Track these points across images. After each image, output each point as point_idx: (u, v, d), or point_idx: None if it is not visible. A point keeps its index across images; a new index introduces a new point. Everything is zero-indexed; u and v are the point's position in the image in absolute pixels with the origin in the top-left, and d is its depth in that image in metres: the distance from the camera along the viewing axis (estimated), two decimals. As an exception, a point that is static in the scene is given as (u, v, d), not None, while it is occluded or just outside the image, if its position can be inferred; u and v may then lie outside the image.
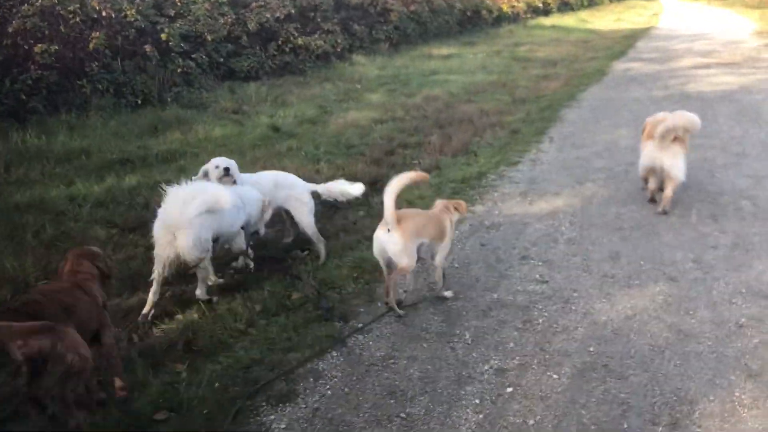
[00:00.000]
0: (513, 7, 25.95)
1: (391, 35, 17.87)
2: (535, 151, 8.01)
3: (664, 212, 5.74)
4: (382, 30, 17.57)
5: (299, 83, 12.69)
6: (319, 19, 15.61)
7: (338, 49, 15.39)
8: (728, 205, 5.95)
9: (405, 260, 3.96)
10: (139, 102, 10.05)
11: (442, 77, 13.83)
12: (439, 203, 4.39)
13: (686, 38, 21.44)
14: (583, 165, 7.42)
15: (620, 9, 35.71)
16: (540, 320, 4.00)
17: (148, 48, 10.42)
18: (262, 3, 14.09)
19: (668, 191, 5.75)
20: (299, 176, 5.38)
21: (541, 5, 29.31)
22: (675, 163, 5.64)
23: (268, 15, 13.92)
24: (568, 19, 27.63)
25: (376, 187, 6.77)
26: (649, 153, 5.78)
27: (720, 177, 6.82)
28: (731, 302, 4.16)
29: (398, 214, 3.97)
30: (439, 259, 4.24)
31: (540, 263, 4.84)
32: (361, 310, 4.19)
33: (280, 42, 14.06)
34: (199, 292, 4.24)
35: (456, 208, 4.34)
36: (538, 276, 4.61)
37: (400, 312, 4.09)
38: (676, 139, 5.68)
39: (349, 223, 5.83)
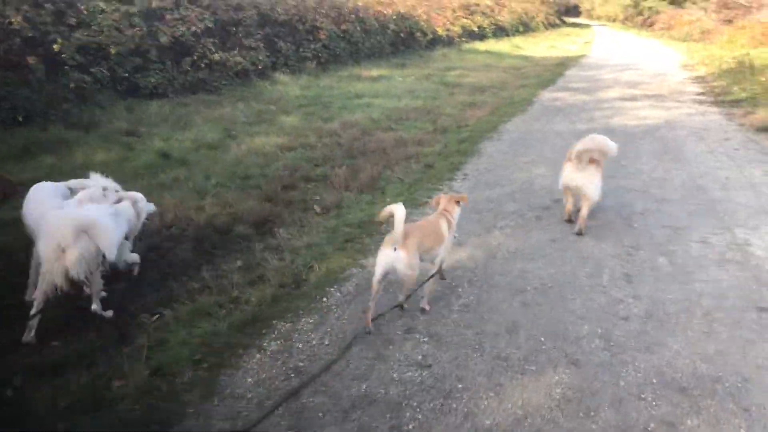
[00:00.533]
0: (448, 30, 25.63)
1: (320, 54, 17.11)
2: (446, 190, 7.31)
3: (580, 233, 5.90)
4: (310, 48, 16.80)
5: (210, 102, 11.74)
6: (241, 35, 14.71)
7: (259, 67, 14.51)
8: (644, 263, 5.35)
9: (410, 272, 4.13)
10: (21, 119, 8.94)
11: (366, 101, 13.12)
12: (442, 200, 4.65)
13: (616, 68, 21.44)
14: (493, 208, 6.74)
15: (554, 36, 36.04)
16: (411, 425, 3.21)
17: (31, 59, 9.31)
18: (179, 16, 13.11)
19: (584, 211, 5.93)
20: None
21: (476, 30, 29.15)
22: (590, 183, 5.83)
23: (183, 28, 12.94)
24: (503, 45, 27.51)
25: (263, 228, 5.96)
26: (567, 173, 5.98)
27: (638, 227, 6.24)
28: (640, 397, 3.47)
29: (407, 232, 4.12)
30: (438, 260, 4.49)
31: (426, 338, 4.07)
32: (189, 411, 3.30)
33: (195, 57, 13.10)
34: (95, 306, 4.23)
35: (458, 203, 4.68)
36: (420, 357, 3.84)
37: (371, 328, 4.15)
38: (592, 161, 5.88)
39: (217, 275, 4.94)
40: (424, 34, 23.36)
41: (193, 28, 13.19)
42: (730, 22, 39.48)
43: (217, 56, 13.38)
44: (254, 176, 7.61)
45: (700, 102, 14.39)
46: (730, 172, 8.27)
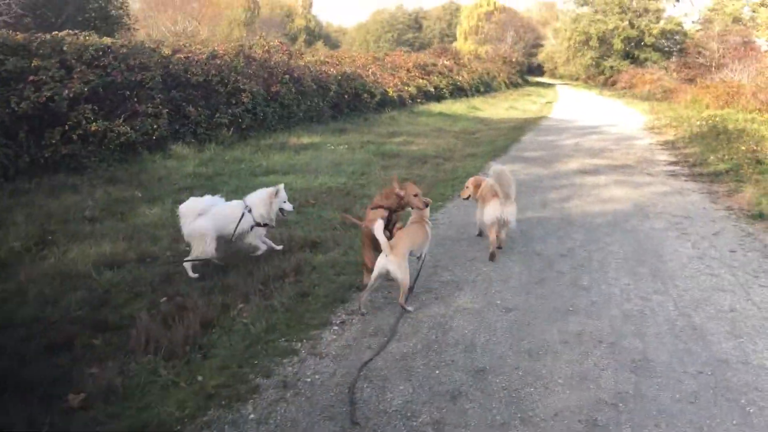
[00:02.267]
0: (401, 91, 23.30)
1: (242, 119, 14.45)
2: (305, 355, 4.49)
3: (500, 247, 6.80)
4: (228, 113, 14.12)
5: (61, 188, 8.92)
6: (136, 100, 12.01)
7: (154, 137, 11.76)
8: None
9: (401, 275, 4.86)
10: None
11: (274, 179, 10.39)
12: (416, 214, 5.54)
13: (577, 132, 19.14)
14: (364, 402, 3.93)
15: (515, 96, 34.13)
16: None
17: None
18: (43, 77, 10.37)
19: (503, 235, 6.86)
20: None
21: (433, 90, 26.95)
22: (514, 214, 6.63)
23: (47, 93, 10.20)
24: (459, 106, 25.26)
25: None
26: (496, 208, 6.51)
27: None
28: None
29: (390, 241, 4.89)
30: (423, 253, 5.50)
31: None
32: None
33: (66, 128, 10.34)
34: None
35: (427, 205, 5.57)
36: None
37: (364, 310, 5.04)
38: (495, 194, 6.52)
39: None
40: (372, 95, 20.96)
41: (66, 92, 10.45)
42: (691, 81, 38.18)
43: (95, 126, 10.63)
44: (25, 319, 4.74)
45: (674, 175, 11.93)
46: (733, 297, 5.60)
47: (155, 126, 11.83)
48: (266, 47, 18.49)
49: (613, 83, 48.04)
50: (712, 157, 13.24)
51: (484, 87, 35.39)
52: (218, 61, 15.00)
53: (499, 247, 6.80)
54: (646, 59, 50.21)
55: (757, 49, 40.41)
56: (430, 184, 10.56)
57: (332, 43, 63.30)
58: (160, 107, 12.36)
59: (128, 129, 11.15)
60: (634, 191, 10.33)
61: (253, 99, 14.97)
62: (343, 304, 5.34)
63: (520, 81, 47.82)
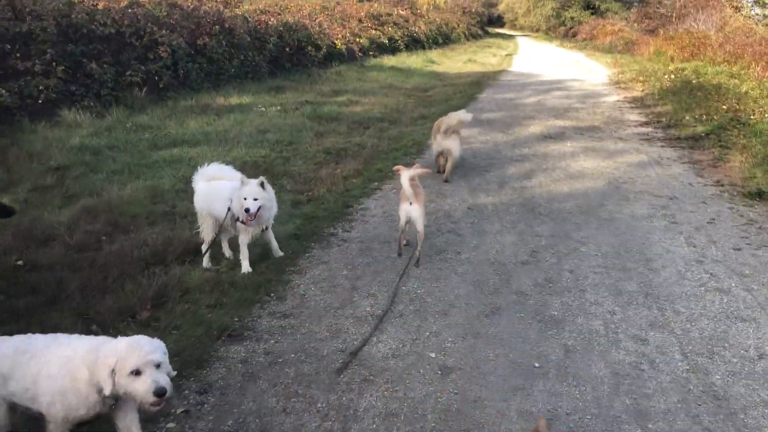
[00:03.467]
0: (350, 43, 21.03)
1: (159, 77, 12.21)
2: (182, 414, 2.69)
3: (447, 180, 7.55)
4: (142, 70, 11.85)
5: None
6: (19, 56, 9.73)
7: (39, 101, 9.56)
8: None
9: (422, 220, 5.00)
10: None
11: (180, 152, 8.39)
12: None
13: (539, 87, 17.31)
14: None
15: (474, 48, 31.97)
16: None
17: None
18: None
19: (449, 165, 7.64)
20: None
21: (387, 42, 24.67)
22: (453, 146, 7.58)
23: None
24: (415, 60, 23.08)
25: None
26: (439, 141, 7.66)
27: None
28: None
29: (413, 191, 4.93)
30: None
31: None
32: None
33: None
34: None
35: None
36: None
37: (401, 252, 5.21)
38: (454, 132, 7.63)
39: None
40: (318, 48, 18.68)
41: None
42: (653, 32, 36.48)
43: (-45, 88, 8.40)
44: None
45: (648, 139, 10.28)
46: (758, 332, 3.96)
47: (41, 87, 9.61)
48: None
49: (574, 35, 46.04)
50: (687, 117, 11.62)
51: (443, 39, 33.05)
52: (135, 10, 12.63)
53: (440, 171, 7.83)
54: (607, 10, 48.19)
55: (718, -1, 38.92)
56: (367, 158, 8.68)
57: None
58: (54, 64, 10.10)
59: (1, 91, 8.92)
60: (606, 162, 8.63)
61: (173, 53, 12.69)
62: (201, 371, 3.49)
63: (480, 32, 45.41)
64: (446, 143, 7.58)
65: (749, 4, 33.40)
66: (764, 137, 8.98)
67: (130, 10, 12.62)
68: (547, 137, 10.36)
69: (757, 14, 32.49)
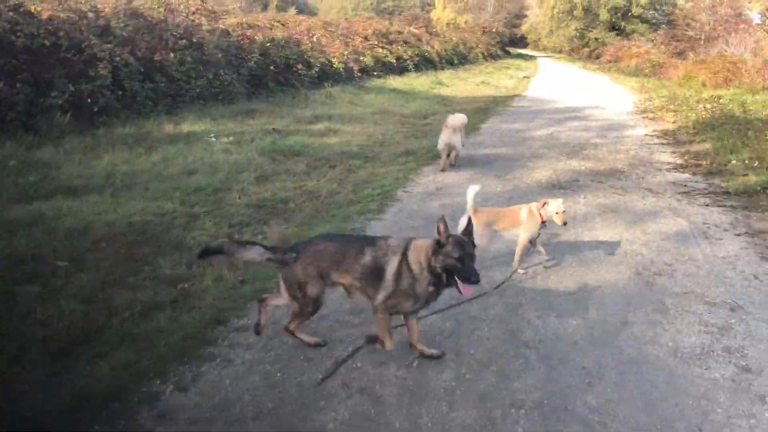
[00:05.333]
0: (349, 61, 18.69)
1: (92, 98, 9.93)
2: None
3: (453, 165, 8.54)
4: (70, 91, 9.56)
5: None
6: None
7: None
8: None
9: (459, 146, 8.28)
10: None
11: (56, 205, 6.05)
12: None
13: (553, 116, 14.73)
14: None
15: (491, 70, 29.45)
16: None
17: None
18: None
19: (453, 159, 8.49)
20: None
21: (394, 61, 22.32)
22: (458, 143, 8.35)
23: None
24: (422, 81, 20.68)
25: None
26: (445, 137, 8.25)
27: None
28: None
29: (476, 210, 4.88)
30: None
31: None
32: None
33: None
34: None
35: None
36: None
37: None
38: (456, 130, 8.32)
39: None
40: (309, 66, 16.37)
41: None
42: (680, 54, 33.62)
43: None
44: None
45: (687, 192, 7.66)
46: None
47: None
48: (170, 5, 13.78)
49: (598, 56, 43.25)
50: (734, 161, 9.01)
51: (459, 59, 30.63)
52: (81, 21, 10.48)
53: (452, 165, 8.58)
54: (632, 31, 45.31)
55: (749, 22, 35.94)
56: (308, 217, 6.25)
57: (309, 11, 57.76)
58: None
59: None
60: (631, 232, 6.06)
61: (116, 71, 10.45)
62: None
63: (499, 53, 42.82)
64: (453, 139, 8.34)
65: (786, 27, 30.34)
66: None
67: (78, 21, 10.47)
68: (555, 187, 7.82)
69: (795, 38, 29.40)
